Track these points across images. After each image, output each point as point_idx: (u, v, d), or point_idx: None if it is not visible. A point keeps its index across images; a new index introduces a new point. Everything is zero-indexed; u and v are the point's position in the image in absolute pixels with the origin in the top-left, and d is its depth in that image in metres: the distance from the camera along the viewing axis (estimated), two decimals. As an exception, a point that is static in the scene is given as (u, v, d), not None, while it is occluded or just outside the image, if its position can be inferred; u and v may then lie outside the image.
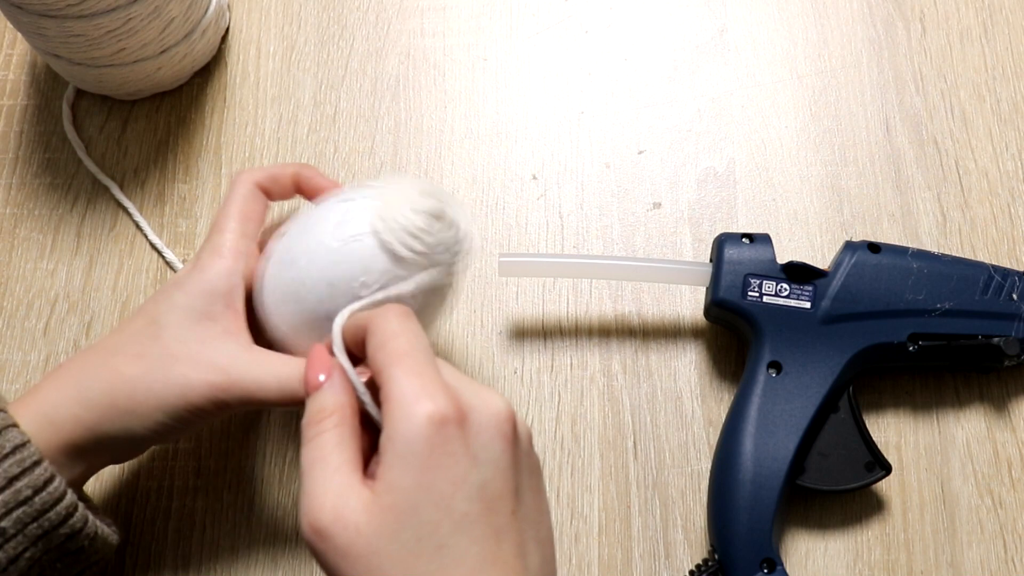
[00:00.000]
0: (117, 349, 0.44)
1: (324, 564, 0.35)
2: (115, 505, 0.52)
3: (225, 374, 0.42)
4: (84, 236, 0.58)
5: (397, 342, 0.37)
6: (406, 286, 0.43)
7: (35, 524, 0.40)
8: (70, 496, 0.41)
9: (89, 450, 0.43)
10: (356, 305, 0.42)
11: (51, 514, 0.41)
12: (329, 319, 0.41)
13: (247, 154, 0.60)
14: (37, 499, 0.40)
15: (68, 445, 0.42)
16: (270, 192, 0.47)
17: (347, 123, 0.61)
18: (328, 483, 0.36)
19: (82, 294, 0.56)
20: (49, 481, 0.41)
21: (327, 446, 0.37)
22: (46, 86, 0.62)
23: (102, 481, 0.52)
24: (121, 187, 0.59)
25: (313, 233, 0.44)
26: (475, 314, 0.56)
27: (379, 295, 0.43)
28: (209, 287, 0.44)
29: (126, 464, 0.52)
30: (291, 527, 0.51)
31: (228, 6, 0.63)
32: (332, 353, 0.40)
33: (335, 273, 0.42)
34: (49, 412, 0.42)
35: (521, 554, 0.36)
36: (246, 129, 0.61)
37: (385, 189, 0.44)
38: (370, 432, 0.39)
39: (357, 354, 0.40)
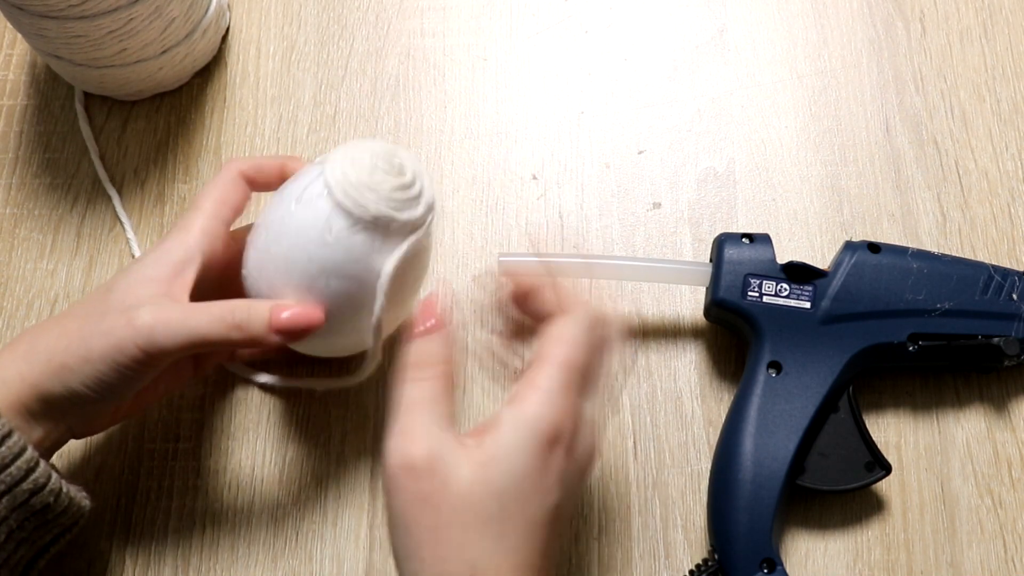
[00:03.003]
0: (69, 312, 0.45)
1: (399, 502, 0.37)
2: (115, 505, 0.52)
3: (152, 317, 0.42)
4: (84, 236, 0.58)
5: (574, 350, 0.40)
6: (374, 257, 0.44)
7: None
8: (30, 451, 0.41)
9: (39, 412, 0.43)
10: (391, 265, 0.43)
11: (12, 469, 0.41)
12: (304, 279, 0.43)
13: (247, 154, 0.60)
14: None
15: (18, 405, 0.42)
16: (254, 181, 0.48)
17: (347, 123, 0.61)
18: (429, 426, 0.38)
19: (82, 294, 0.56)
20: (7, 436, 0.41)
21: (431, 392, 0.39)
22: (46, 86, 0.62)
23: (102, 481, 0.52)
24: (121, 187, 0.59)
25: (283, 199, 0.45)
26: (475, 314, 0.56)
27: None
28: (163, 257, 0.45)
29: (126, 464, 0.52)
30: (291, 527, 0.52)
31: (228, 6, 0.63)
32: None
33: (302, 237, 0.43)
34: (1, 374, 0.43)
35: (550, 562, 0.39)
36: (246, 129, 0.61)
37: (346, 151, 0.44)
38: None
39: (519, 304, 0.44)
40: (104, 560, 0.51)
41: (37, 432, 0.43)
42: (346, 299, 0.44)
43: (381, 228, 0.43)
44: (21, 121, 0.61)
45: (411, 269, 0.46)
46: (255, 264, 0.46)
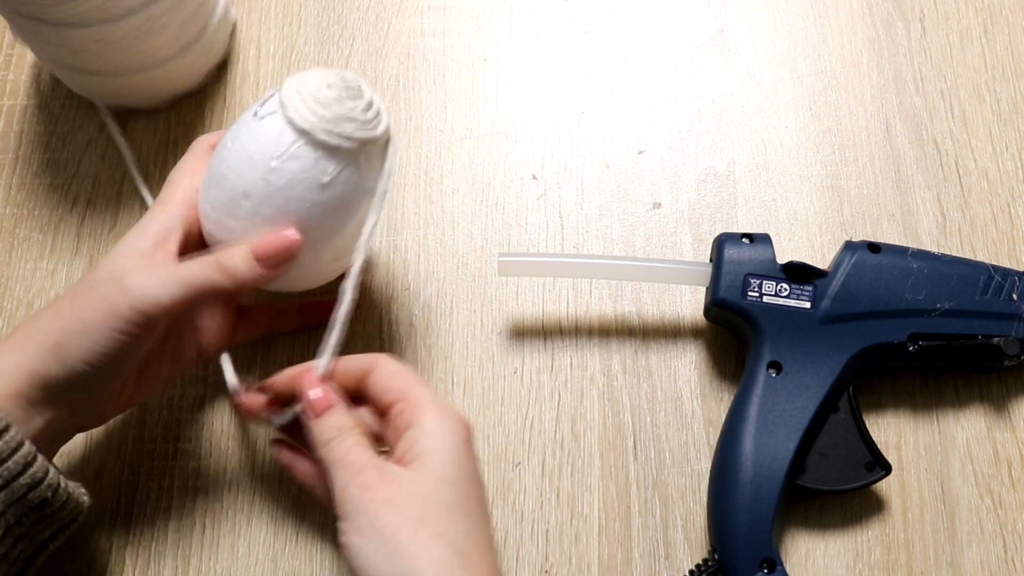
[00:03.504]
0: (64, 296, 0.45)
1: (364, 515, 0.40)
2: (115, 505, 0.52)
3: (141, 278, 0.43)
4: (84, 236, 0.58)
5: (412, 373, 0.45)
6: (313, 172, 0.45)
7: None
8: (28, 446, 0.41)
9: (39, 399, 0.43)
10: (329, 349, 0.46)
11: (9, 463, 0.41)
12: (249, 197, 0.45)
13: (247, 154, 0.60)
14: None
15: (15, 394, 0.42)
16: None
17: (347, 123, 0.61)
18: (369, 457, 0.42)
19: (82, 294, 0.56)
20: (4, 431, 0.41)
21: (358, 441, 0.43)
22: (46, 86, 0.62)
23: (102, 481, 0.52)
24: (121, 186, 0.59)
25: (238, 123, 0.47)
26: (475, 314, 0.56)
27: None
28: (144, 230, 0.46)
29: (126, 464, 0.52)
30: (291, 527, 0.52)
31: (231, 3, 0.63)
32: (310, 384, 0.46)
33: (251, 150, 0.45)
34: None
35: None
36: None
37: (296, 89, 0.45)
38: None
39: (347, 389, 0.46)
40: (104, 560, 0.51)
41: (38, 421, 0.43)
42: (346, 227, 0.46)
43: (364, 152, 0.45)
44: (21, 121, 0.61)
45: (351, 201, 0.47)
46: (206, 186, 0.47)
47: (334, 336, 0.46)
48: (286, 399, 0.48)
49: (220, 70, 0.62)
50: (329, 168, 0.44)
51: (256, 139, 0.45)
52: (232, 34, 0.63)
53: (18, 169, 0.60)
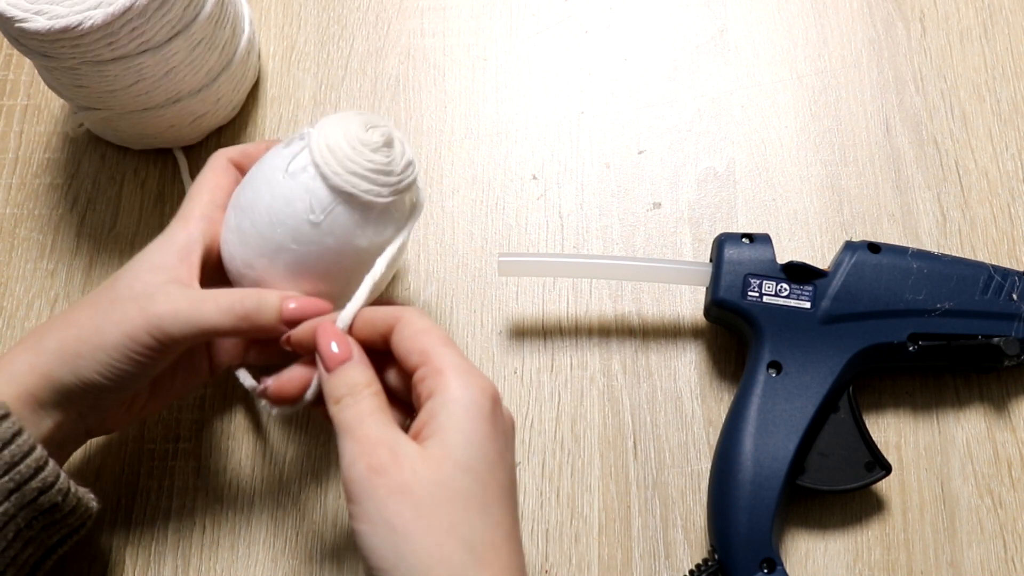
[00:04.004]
0: (78, 303, 0.45)
1: (374, 504, 0.37)
2: (115, 505, 0.52)
3: (164, 307, 0.43)
4: (84, 236, 0.58)
5: (439, 332, 0.41)
6: (356, 229, 0.44)
7: (6, 478, 0.40)
8: (40, 450, 0.42)
9: (49, 402, 0.43)
10: (362, 295, 0.44)
11: (21, 467, 0.41)
12: (281, 252, 0.44)
13: (247, 154, 0.60)
14: (6, 452, 0.40)
15: (27, 396, 0.42)
16: (242, 166, 0.49)
17: (347, 123, 0.61)
18: (384, 429, 0.39)
19: (82, 294, 0.56)
20: (17, 435, 0.41)
21: (371, 407, 0.40)
22: (46, 86, 0.62)
23: (102, 481, 0.52)
24: (121, 186, 0.59)
25: (263, 174, 0.45)
26: (475, 314, 0.56)
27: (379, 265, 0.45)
28: (167, 244, 0.46)
29: (126, 464, 0.52)
30: (291, 527, 0.51)
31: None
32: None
33: (285, 206, 0.44)
34: (8, 366, 0.43)
35: (520, 533, 0.40)
36: (246, 129, 0.61)
37: (328, 125, 0.44)
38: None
39: (371, 345, 0.43)
40: (104, 560, 0.51)
41: (47, 423, 0.43)
42: (335, 275, 0.45)
43: (374, 208, 0.44)
44: (21, 121, 0.61)
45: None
46: (233, 238, 0.46)
47: (363, 291, 0.44)
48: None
49: (251, 100, 0.62)
50: (367, 222, 0.44)
51: (290, 195, 0.44)
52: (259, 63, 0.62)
53: (18, 169, 0.60)
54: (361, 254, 0.45)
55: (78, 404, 0.44)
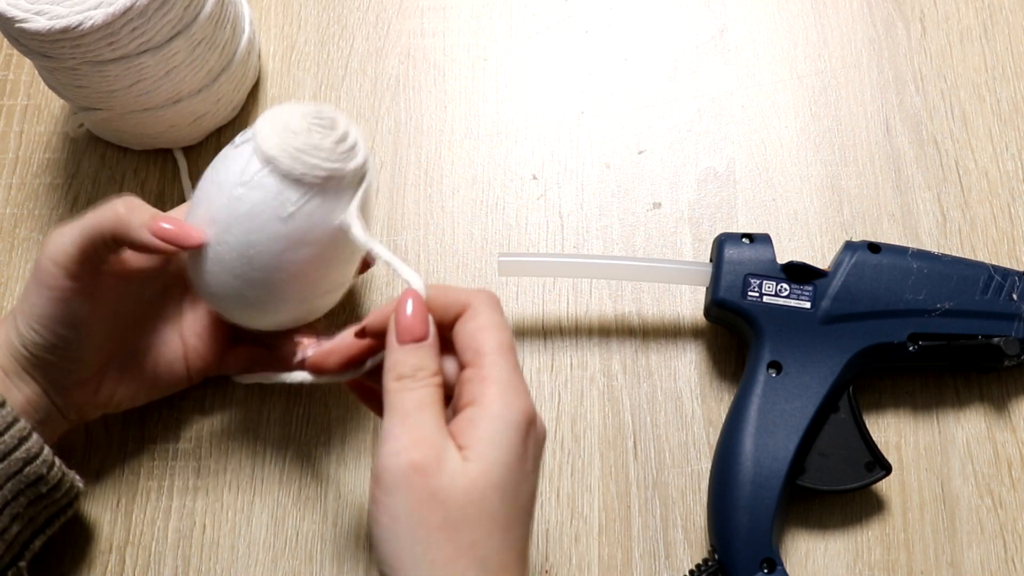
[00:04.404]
0: None
1: (407, 502, 0.37)
2: (115, 505, 0.52)
3: (48, 243, 0.44)
4: (84, 236, 0.58)
5: (501, 333, 0.40)
6: (279, 200, 0.43)
7: None
8: (23, 422, 0.43)
9: (11, 371, 0.45)
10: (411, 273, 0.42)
11: (6, 437, 0.42)
12: (214, 223, 0.43)
13: (247, 154, 0.60)
14: None
15: None
16: None
17: (347, 123, 0.61)
18: (436, 429, 0.38)
19: (82, 294, 0.56)
20: (0, 406, 0.42)
21: (432, 398, 0.39)
22: (46, 86, 0.62)
23: (102, 482, 0.52)
24: (121, 186, 0.59)
25: (223, 188, 0.44)
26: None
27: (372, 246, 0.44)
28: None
29: (126, 464, 0.52)
30: (291, 527, 0.51)
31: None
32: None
33: (220, 176, 0.44)
34: None
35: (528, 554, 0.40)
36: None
37: (270, 120, 0.44)
38: None
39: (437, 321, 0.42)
40: (104, 560, 0.51)
41: (17, 396, 0.45)
42: (310, 264, 0.45)
43: (332, 187, 0.44)
44: (21, 121, 0.61)
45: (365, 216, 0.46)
46: (213, 261, 0.45)
47: (409, 271, 0.42)
48: (365, 354, 0.44)
49: (251, 100, 0.62)
50: (292, 198, 0.43)
51: (227, 167, 0.44)
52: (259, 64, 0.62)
53: (18, 169, 0.60)
54: (294, 234, 0.44)
55: (37, 374, 0.45)
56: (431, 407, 0.39)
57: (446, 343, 0.42)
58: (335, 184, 0.44)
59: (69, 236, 0.44)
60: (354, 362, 0.45)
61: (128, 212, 0.44)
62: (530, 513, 0.40)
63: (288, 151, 0.43)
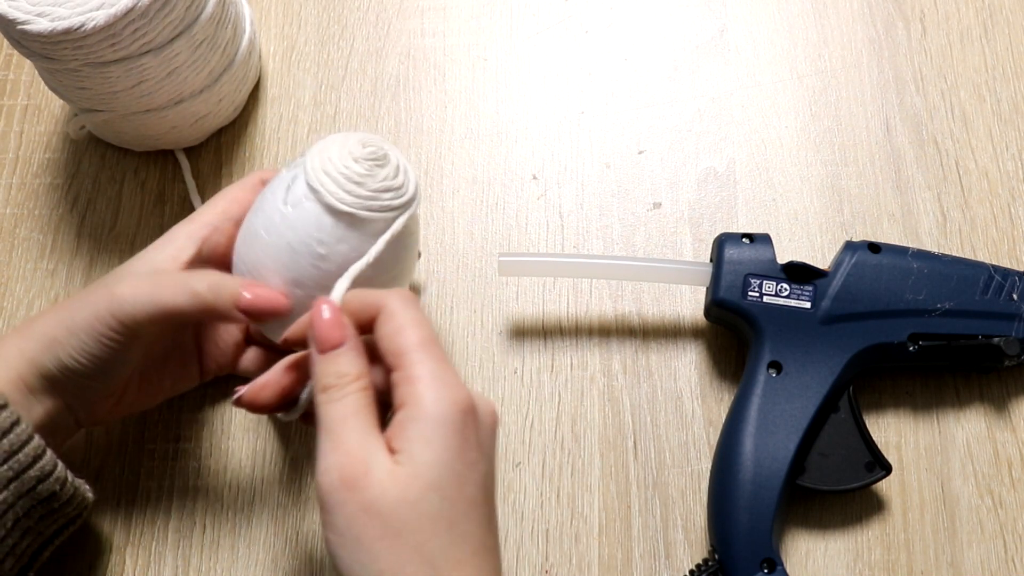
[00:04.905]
0: (71, 295, 0.46)
1: (343, 518, 0.37)
2: (115, 505, 0.52)
3: (126, 287, 0.43)
4: (84, 236, 0.58)
5: (420, 329, 0.40)
6: (365, 248, 0.44)
7: (4, 467, 0.41)
8: (37, 439, 0.42)
9: (37, 388, 0.43)
10: (353, 272, 0.43)
11: (20, 455, 0.41)
12: (300, 286, 0.43)
13: (247, 154, 0.60)
14: (5, 441, 0.41)
15: (16, 380, 0.43)
16: None
17: (347, 123, 0.61)
18: (362, 439, 0.38)
19: (82, 294, 0.56)
20: (16, 424, 0.41)
21: (356, 406, 0.39)
22: (46, 86, 0.62)
23: (103, 482, 0.52)
24: (121, 186, 0.59)
25: (267, 203, 0.45)
26: (475, 314, 0.56)
27: (357, 266, 0.43)
28: (163, 243, 0.46)
29: (126, 464, 0.52)
30: (291, 527, 0.52)
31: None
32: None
33: (292, 238, 0.43)
34: (1, 351, 0.43)
35: (498, 543, 0.40)
36: (246, 129, 0.61)
37: (322, 148, 0.44)
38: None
39: (361, 331, 0.41)
40: (104, 560, 0.51)
41: (38, 411, 0.43)
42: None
43: (371, 220, 0.44)
44: (21, 121, 0.61)
45: (403, 250, 0.46)
46: (245, 271, 0.45)
47: (353, 269, 0.43)
48: (294, 388, 0.44)
49: (252, 100, 0.62)
50: (375, 240, 0.44)
51: (294, 228, 0.43)
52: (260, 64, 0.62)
53: (18, 169, 0.60)
54: (377, 267, 0.44)
55: (63, 392, 0.44)
56: (356, 416, 0.39)
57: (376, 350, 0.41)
58: (373, 220, 0.44)
59: (142, 306, 0.43)
60: (288, 394, 0.44)
61: (214, 295, 0.43)
62: (485, 503, 0.39)
63: (360, 202, 0.43)
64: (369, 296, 0.41)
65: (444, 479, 0.37)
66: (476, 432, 0.39)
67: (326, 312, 0.41)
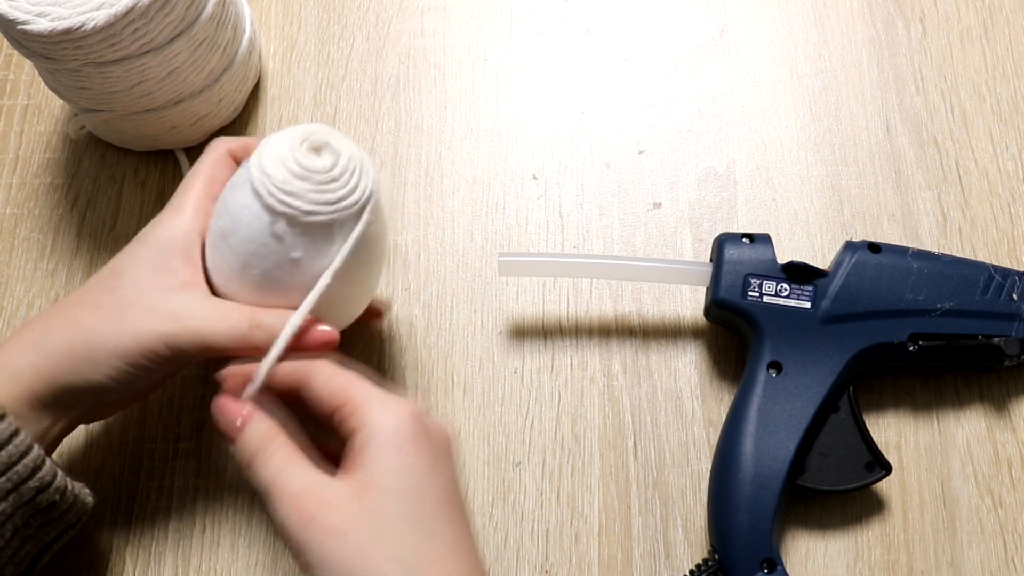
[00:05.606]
0: (77, 301, 0.45)
1: (312, 553, 0.37)
2: (115, 505, 0.52)
3: (177, 319, 0.43)
4: (84, 236, 0.58)
5: (347, 372, 0.42)
6: (321, 249, 0.43)
7: (3, 478, 0.41)
8: (36, 450, 0.42)
9: (51, 402, 0.43)
10: (276, 350, 0.42)
11: (19, 467, 0.41)
12: (264, 292, 0.43)
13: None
14: (3, 452, 0.40)
15: (29, 396, 0.42)
16: (239, 160, 0.48)
17: (347, 123, 0.61)
18: (305, 478, 0.39)
19: (82, 294, 0.56)
20: (14, 435, 0.41)
21: (286, 457, 0.40)
22: (46, 86, 0.62)
23: (102, 481, 0.52)
24: (121, 186, 0.59)
25: (228, 204, 0.44)
26: (475, 314, 0.56)
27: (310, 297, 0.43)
28: (168, 242, 0.45)
29: (126, 464, 0.52)
30: (291, 527, 0.52)
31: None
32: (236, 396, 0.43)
33: (248, 247, 0.43)
34: (8, 364, 0.43)
35: (475, 546, 0.40)
36: (246, 129, 0.61)
37: (265, 146, 0.43)
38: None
39: (286, 399, 0.43)
40: (104, 560, 0.51)
41: (44, 421, 0.43)
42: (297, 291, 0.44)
43: (319, 221, 0.43)
44: (21, 121, 0.61)
45: (366, 256, 0.45)
46: (213, 262, 0.45)
47: (274, 351, 0.42)
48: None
49: (252, 100, 0.62)
50: (336, 239, 0.43)
51: (250, 225, 0.43)
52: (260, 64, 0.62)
53: (18, 169, 0.60)
54: (349, 263, 0.44)
55: (80, 405, 0.44)
56: (290, 463, 0.40)
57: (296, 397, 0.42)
58: (321, 225, 0.43)
59: (194, 344, 0.43)
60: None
61: (264, 335, 0.43)
62: (452, 504, 0.40)
63: (270, 185, 0.42)
64: (289, 369, 0.43)
65: (403, 482, 0.38)
66: (429, 439, 0.40)
67: (219, 408, 0.43)
